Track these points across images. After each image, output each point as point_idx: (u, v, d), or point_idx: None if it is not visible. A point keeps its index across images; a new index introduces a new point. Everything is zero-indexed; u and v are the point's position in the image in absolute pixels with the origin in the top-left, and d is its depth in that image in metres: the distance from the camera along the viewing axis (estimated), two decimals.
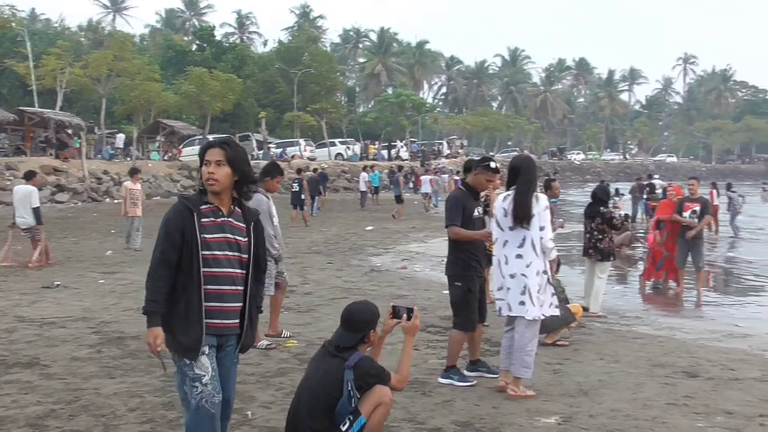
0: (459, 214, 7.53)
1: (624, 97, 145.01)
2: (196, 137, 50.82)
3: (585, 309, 10.86)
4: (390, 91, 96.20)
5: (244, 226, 4.61)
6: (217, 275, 4.46)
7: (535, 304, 7.03)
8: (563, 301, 9.35)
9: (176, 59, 66.89)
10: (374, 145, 71.99)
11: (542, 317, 7.17)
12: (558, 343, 9.31)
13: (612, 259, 12.11)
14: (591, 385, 7.56)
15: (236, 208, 4.62)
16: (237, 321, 4.60)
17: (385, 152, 69.03)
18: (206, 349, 4.47)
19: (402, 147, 71.89)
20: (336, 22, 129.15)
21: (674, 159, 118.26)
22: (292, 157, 53.64)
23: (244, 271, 4.58)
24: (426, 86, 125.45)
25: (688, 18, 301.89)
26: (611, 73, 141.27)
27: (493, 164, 7.83)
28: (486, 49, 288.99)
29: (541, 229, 7.07)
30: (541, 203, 7.12)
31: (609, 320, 11.35)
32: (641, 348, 9.44)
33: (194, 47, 74.68)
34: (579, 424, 6.34)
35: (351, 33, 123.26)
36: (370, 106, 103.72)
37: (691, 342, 10.04)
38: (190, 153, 47.40)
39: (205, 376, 4.45)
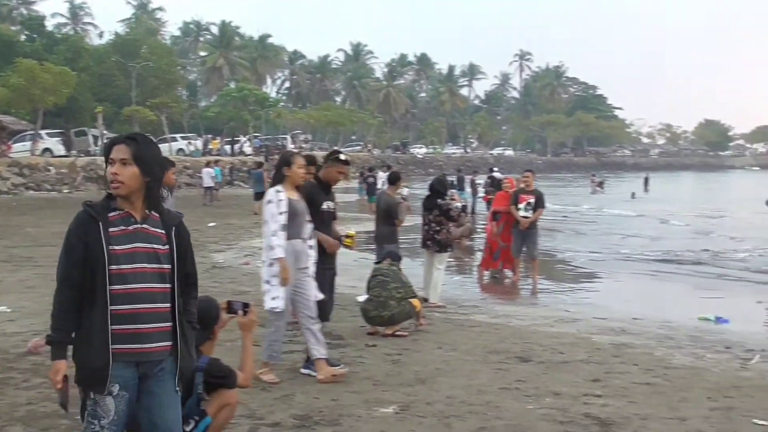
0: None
1: (464, 92, 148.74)
2: (27, 132, 48.78)
3: (425, 300, 11.12)
4: (232, 85, 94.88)
5: (164, 232, 3.94)
6: (130, 292, 3.78)
7: (266, 295, 7.20)
8: (407, 295, 9.58)
9: (3, 50, 63.54)
10: (217, 140, 71.01)
11: (275, 308, 7.25)
12: (397, 333, 9.48)
13: (450, 250, 12.43)
14: (429, 373, 7.75)
15: (152, 212, 3.95)
16: (165, 344, 3.89)
17: (228, 147, 68.16)
18: (116, 388, 3.79)
19: (245, 142, 71.21)
20: (175, 15, 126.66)
21: (511, 152, 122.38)
22: None
23: (168, 286, 3.90)
24: (269, 81, 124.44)
25: (524, 15, 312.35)
26: (452, 68, 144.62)
27: (342, 156, 7.94)
28: (329, 44, 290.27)
29: (265, 222, 7.20)
30: (266, 197, 7.27)
31: (448, 310, 11.65)
32: (478, 336, 9.76)
33: (23, 38, 71.15)
34: (416, 412, 6.49)
35: (191, 26, 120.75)
36: (212, 100, 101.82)
37: (525, 328, 10.45)
38: (21, 149, 45.86)
39: (104, 418, 3.80)
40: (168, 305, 3.90)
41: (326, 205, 7.79)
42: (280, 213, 7.12)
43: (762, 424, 6.38)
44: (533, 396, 7.01)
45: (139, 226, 3.88)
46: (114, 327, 3.75)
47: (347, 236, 8.73)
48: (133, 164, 3.84)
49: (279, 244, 7.09)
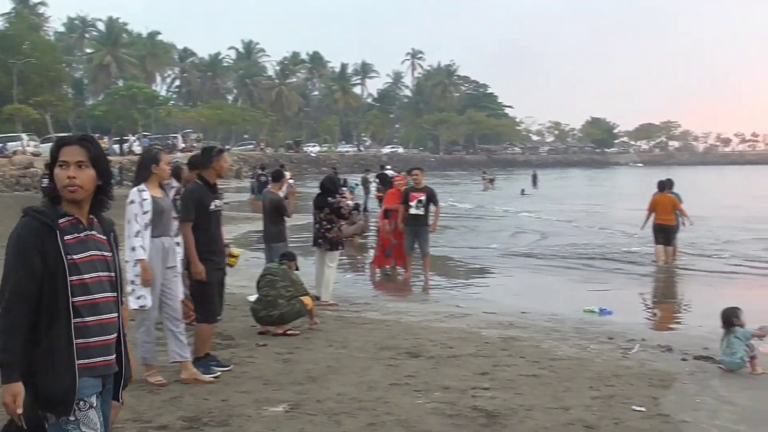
0: (193, 209, 7.52)
1: (357, 90, 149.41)
2: None
3: (317, 298, 11.12)
4: (121, 83, 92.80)
5: (105, 238, 3.71)
6: (93, 303, 3.55)
7: (131, 296, 7.11)
8: (297, 293, 9.57)
9: None
10: (104, 139, 69.32)
11: (143, 306, 7.19)
12: (289, 332, 9.46)
13: (341, 248, 12.46)
14: (320, 371, 7.77)
15: (95, 218, 3.71)
16: (114, 355, 3.70)
17: (116, 147, 66.62)
18: (93, 400, 3.56)
19: (135, 141, 69.72)
20: (59, 10, 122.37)
21: (401, 150, 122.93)
22: (14, 153, 50.40)
23: (115, 294, 3.68)
24: (159, 79, 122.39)
25: (415, 13, 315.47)
26: (344, 66, 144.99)
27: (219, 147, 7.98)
28: (220, 42, 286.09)
29: (128, 222, 7.15)
30: (129, 197, 7.22)
31: (340, 308, 11.68)
32: (369, 333, 9.82)
33: None
34: (306, 410, 6.49)
35: (76, 22, 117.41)
36: (99, 99, 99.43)
37: (416, 324, 10.57)
38: None
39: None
40: (116, 314, 3.68)
41: (214, 205, 7.71)
42: (144, 213, 7.05)
43: (640, 410, 6.62)
44: (423, 391, 7.11)
45: (88, 232, 3.64)
46: (79, 341, 3.50)
47: (231, 255, 8.76)
48: (90, 167, 3.58)
49: (141, 245, 7.03)
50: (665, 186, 18.19)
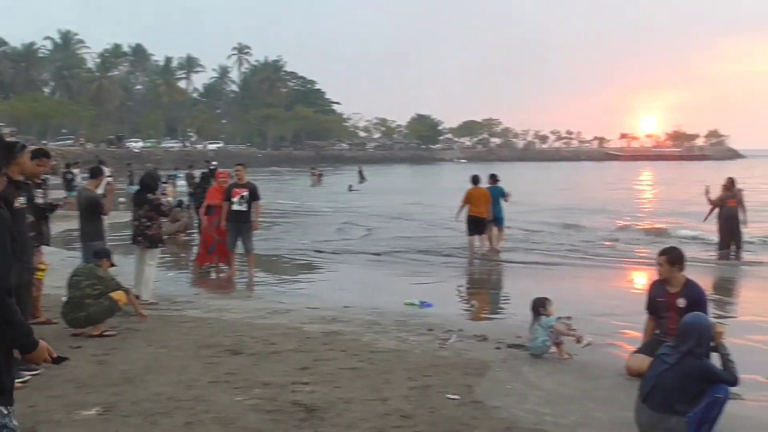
0: None
1: (182, 84, 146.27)
2: None
3: (136, 297, 10.81)
4: None
5: None
6: None
7: None
8: (107, 290, 9.28)
9: None
10: None
11: None
12: (105, 333, 9.17)
13: (161, 246, 12.20)
14: (136, 372, 7.58)
15: None
16: None
17: None
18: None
19: None
20: None
21: (220, 146, 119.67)
22: None
23: None
24: None
25: (242, 7, 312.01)
26: (168, 60, 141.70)
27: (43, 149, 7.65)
28: (34, 31, 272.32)
29: None
30: None
31: (160, 306, 11.40)
32: (190, 331, 9.65)
33: None
34: (121, 412, 6.32)
35: None
36: None
37: (238, 321, 10.47)
38: None
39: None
40: None
41: (18, 203, 7.36)
42: None
43: (454, 398, 6.85)
44: (242, 388, 7.06)
45: None
46: None
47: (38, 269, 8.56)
48: None
49: None
50: (478, 180, 19.47)
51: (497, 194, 19.72)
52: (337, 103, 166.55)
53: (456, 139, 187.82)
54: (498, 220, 19.73)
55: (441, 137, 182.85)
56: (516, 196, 22.01)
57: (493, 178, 20.07)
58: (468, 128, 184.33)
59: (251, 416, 6.28)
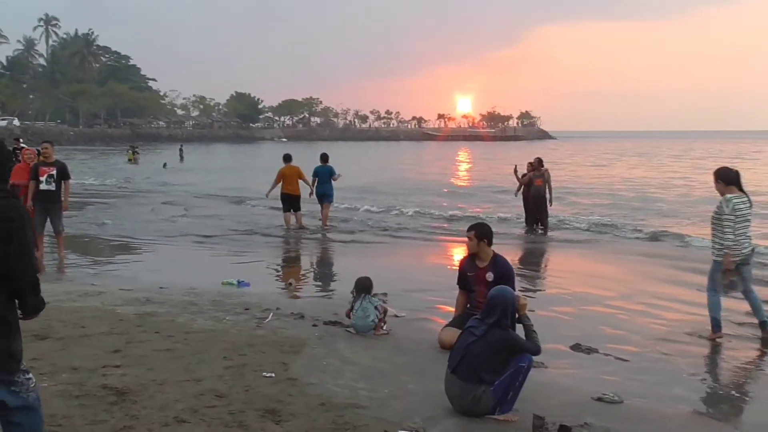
0: None
1: None
2: None
3: None
4: None
5: None
6: None
7: None
8: None
9: None
10: None
11: None
12: None
13: None
14: None
15: None
16: None
17: None
18: None
19: None
20: None
21: (16, 122, 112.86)
22: None
23: None
24: None
25: None
26: None
27: None
28: None
29: None
30: None
31: None
32: None
33: None
34: None
35: None
36: None
37: (46, 305, 10.00)
38: None
39: None
40: None
41: None
42: None
43: (270, 376, 6.86)
44: (49, 373, 6.77)
45: None
46: None
47: None
48: None
49: None
50: (290, 158, 20.09)
51: (327, 173, 20.15)
52: (153, 79, 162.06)
53: (276, 117, 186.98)
54: (327, 197, 20.22)
55: (261, 116, 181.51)
56: (346, 175, 22.41)
57: (324, 158, 20.40)
58: (288, 107, 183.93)
59: (58, 402, 6.03)
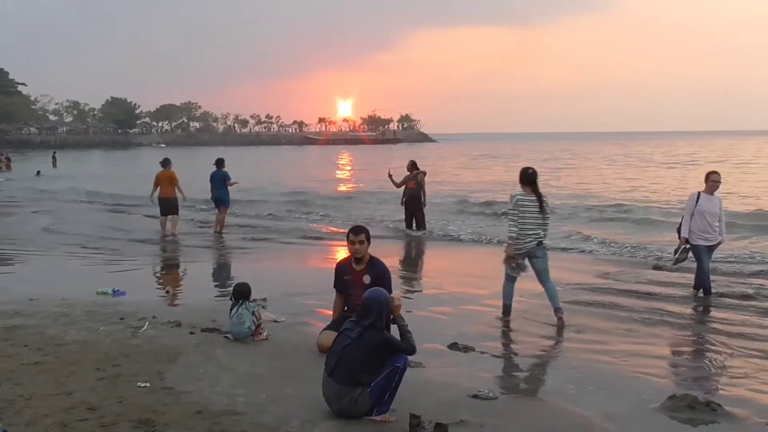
0: None
1: None
2: None
3: None
4: None
5: None
6: None
7: None
8: None
9: None
10: None
11: None
12: None
13: None
14: None
15: None
16: None
17: None
18: None
19: None
20: None
21: None
22: None
23: None
24: None
25: None
26: None
27: None
28: None
29: None
30: None
31: None
32: None
33: None
34: None
35: None
36: None
37: None
38: None
39: None
40: None
41: None
42: None
43: (144, 386, 6.73)
44: None
45: None
46: None
47: None
48: None
49: None
50: (167, 163, 20.28)
51: (221, 178, 20.40)
52: (22, 84, 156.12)
53: (154, 123, 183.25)
54: (222, 202, 20.48)
55: (138, 121, 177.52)
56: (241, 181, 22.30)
57: (218, 163, 20.59)
58: (166, 112, 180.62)
59: None
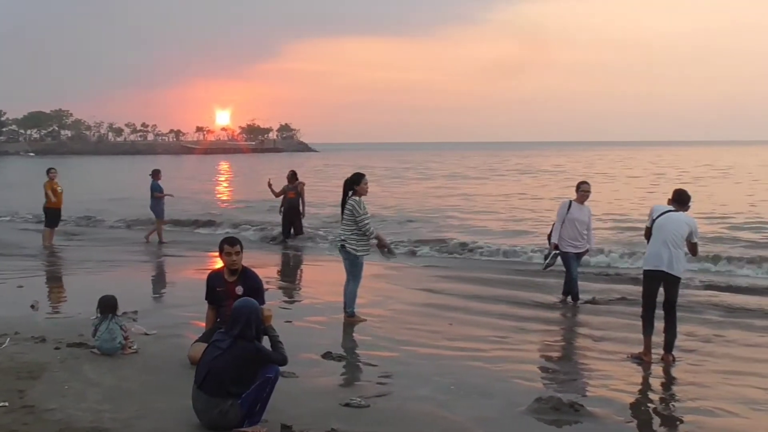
0: None
1: None
2: None
3: None
4: None
5: None
6: None
7: None
8: None
9: None
10: None
11: None
12: None
13: None
14: None
15: None
16: None
17: None
18: None
19: None
20: None
21: None
22: None
23: None
24: None
25: None
26: None
27: None
28: None
29: None
30: None
31: None
32: None
33: None
34: None
35: None
36: None
37: None
38: None
39: None
40: None
41: None
42: None
43: (3, 405, 6.44)
44: None
45: None
46: None
47: None
48: None
49: None
50: (48, 172, 20.04)
51: (152, 189, 20.85)
52: None
53: (22, 131, 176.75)
54: (155, 213, 20.91)
55: (4, 129, 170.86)
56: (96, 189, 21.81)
57: (153, 174, 21.08)
58: (35, 119, 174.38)
59: None
